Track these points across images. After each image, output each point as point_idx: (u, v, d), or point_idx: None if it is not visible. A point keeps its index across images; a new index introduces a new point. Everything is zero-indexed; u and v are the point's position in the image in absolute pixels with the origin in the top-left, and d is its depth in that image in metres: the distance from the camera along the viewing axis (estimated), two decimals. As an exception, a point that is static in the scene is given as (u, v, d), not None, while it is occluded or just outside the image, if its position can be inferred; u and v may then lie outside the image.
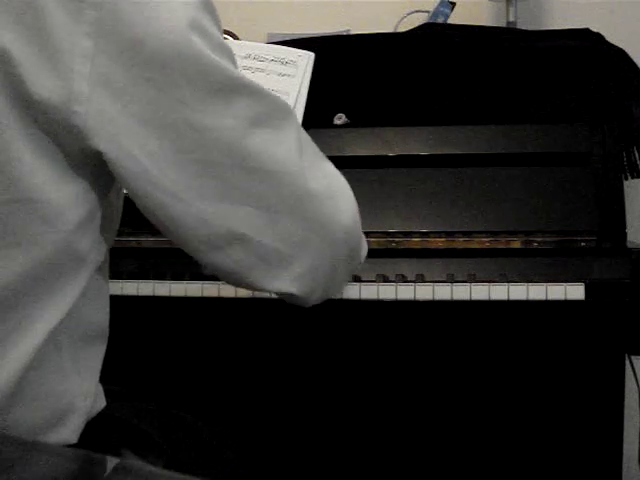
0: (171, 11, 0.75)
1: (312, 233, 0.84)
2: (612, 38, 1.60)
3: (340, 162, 1.53)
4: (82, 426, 0.85)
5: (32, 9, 0.72)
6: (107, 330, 0.89)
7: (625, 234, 1.38)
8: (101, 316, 0.88)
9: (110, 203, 0.86)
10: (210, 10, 0.81)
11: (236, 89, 0.78)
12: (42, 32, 0.72)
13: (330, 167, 0.90)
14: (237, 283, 0.87)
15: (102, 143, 0.75)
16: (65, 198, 0.77)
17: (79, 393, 0.84)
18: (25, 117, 0.73)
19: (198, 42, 0.76)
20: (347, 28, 1.90)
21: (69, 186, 0.77)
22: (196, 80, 0.76)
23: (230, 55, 0.81)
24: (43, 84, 0.73)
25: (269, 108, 0.81)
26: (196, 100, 0.76)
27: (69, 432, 0.83)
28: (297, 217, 0.83)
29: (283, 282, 0.85)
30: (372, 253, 1.37)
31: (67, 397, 0.82)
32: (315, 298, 0.90)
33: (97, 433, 0.87)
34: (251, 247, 0.82)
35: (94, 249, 0.82)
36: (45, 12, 0.72)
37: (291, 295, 0.87)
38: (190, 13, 0.77)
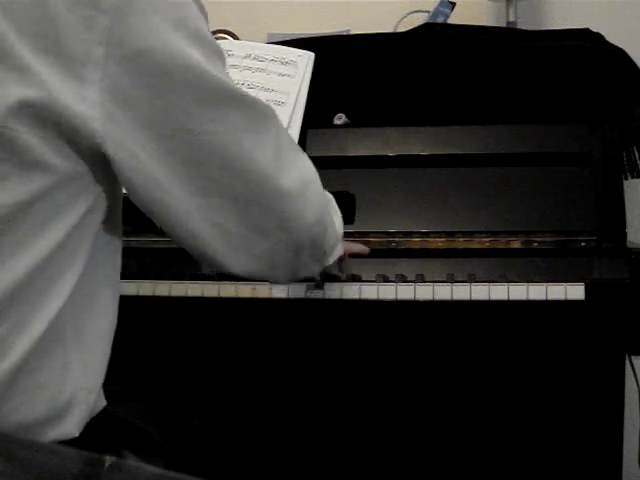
0: (176, 24, 0.81)
1: (276, 225, 0.94)
2: (612, 38, 1.60)
3: (340, 162, 1.54)
4: (85, 421, 0.86)
5: (47, 19, 0.75)
6: (114, 329, 0.91)
7: (625, 234, 1.38)
8: (109, 313, 0.90)
9: (114, 197, 0.87)
10: (205, 15, 0.87)
11: (228, 100, 0.86)
12: (57, 42, 0.76)
13: (305, 162, 1.00)
14: (200, 260, 0.96)
15: (110, 146, 0.79)
16: (69, 196, 0.80)
17: (83, 387, 0.85)
18: (40, 120, 0.76)
19: (198, 54, 0.82)
20: (347, 28, 1.90)
21: (73, 183, 0.80)
22: (193, 90, 0.82)
23: (223, 59, 0.88)
24: (59, 90, 0.75)
25: (254, 114, 0.90)
26: (191, 107, 0.83)
27: (71, 425, 0.84)
28: (266, 210, 0.92)
29: (242, 261, 0.94)
30: (372, 253, 1.38)
31: (70, 389, 0.84)
32: (281, 277, 1.03)
33: (97, 433, 0.88)
34: (222, 233, 0.91)
35: (97, 245, 0.85)
36: (58, 21, 0.75)
37: (252, 274, 0.97)
38: (192, 24, 0.83)
